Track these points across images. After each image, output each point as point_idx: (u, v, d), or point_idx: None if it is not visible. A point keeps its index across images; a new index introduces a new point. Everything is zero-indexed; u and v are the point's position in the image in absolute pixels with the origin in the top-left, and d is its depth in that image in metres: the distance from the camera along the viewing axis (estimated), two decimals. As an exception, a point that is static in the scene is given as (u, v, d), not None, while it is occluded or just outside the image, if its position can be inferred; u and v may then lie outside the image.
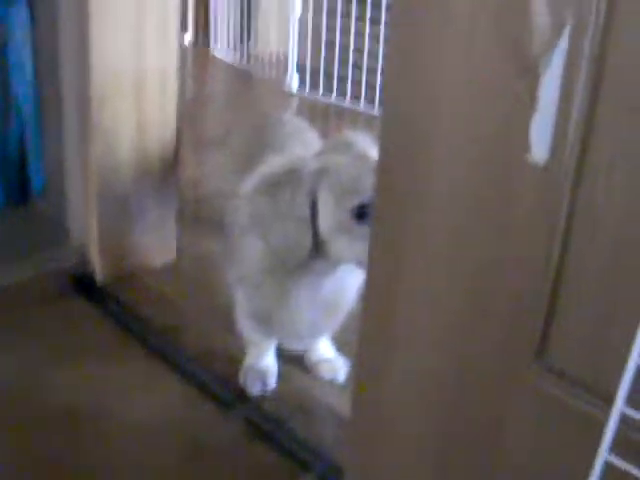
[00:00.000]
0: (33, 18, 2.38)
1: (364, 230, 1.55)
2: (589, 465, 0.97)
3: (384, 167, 1.27)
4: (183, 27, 4.37)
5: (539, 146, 1.06)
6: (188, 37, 4.40)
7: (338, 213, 1.58)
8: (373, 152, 1.64)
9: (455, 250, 1.20)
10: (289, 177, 1.61)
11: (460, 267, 1.20)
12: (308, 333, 1.82)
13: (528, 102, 1.05)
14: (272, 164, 1.68)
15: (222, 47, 4.21)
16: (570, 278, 1.09)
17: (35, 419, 1.78)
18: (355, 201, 1.56)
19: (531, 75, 1.04)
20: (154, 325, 2.10)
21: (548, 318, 1.13)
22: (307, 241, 1.60)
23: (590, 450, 1.01)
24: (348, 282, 1.74)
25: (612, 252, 1.04)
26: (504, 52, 1.07)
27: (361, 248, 1.56)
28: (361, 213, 1.56)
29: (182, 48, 4.29)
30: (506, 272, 1.14)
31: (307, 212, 1.58)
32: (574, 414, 1.12)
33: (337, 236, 1.59)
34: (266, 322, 1.79)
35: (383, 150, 1.26)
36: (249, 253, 1.72)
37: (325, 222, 1.59)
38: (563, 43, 1.01)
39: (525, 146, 1.06)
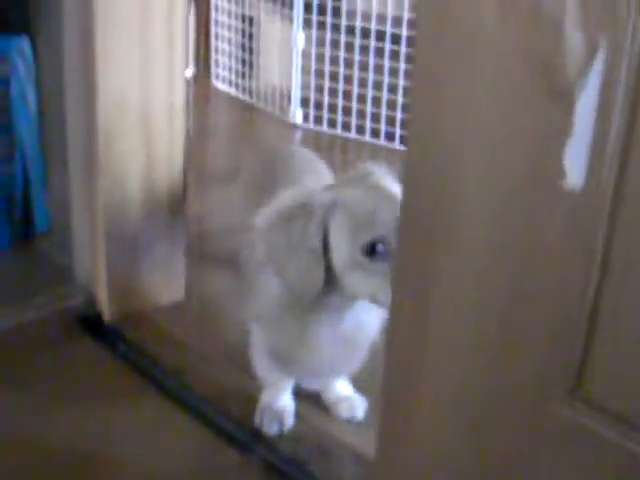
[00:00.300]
0: (36, 51, 2.35)
1: (377, 266, 1.51)
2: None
3: (408, 205, 1.23)
4: (185, 62, 4.34)
5: (575, 172, 1.01)
6: (189, 71, 4.37)
7: (350, 248, 1.53)
8: (390, 184, 1.60)
9: (486, 283, 1.15)
10: (301, 210, 1.56)
11: (492, 300, 1.15)
12: (328, 371, 1.77)
13: (562, 128, 1.01)
14: (285, 197, 1.63)
15: (224, 81, 4.18)
16: (608, 308, 1.05)
17: (38, 467, 1.72)
18: (367, 237, 1.52)
19: (565, 100, 1.00)
20: (164, 366, 2.04)
21: (585, 349, 1.08)
22: (319, 275, 1.55)
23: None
24: (367, 318, 1.68)
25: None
26: (535, 77, 1.02)
27: (375, 284, 1.52)
28: (373, 249, 1.51)
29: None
30: (541, 303, 1.09)
31: (318, 245, 1.54)
32: (613, 450, 1.08)
33: (350, 271, 1.55)
34: (284, 360, 1.73)
35: (407, 187, 1.22)
36: (266, 289, 1.67)
37: (338, 256, 1.54)
38: (598, 65, 0.97)
39: (560, 172, 1.02)
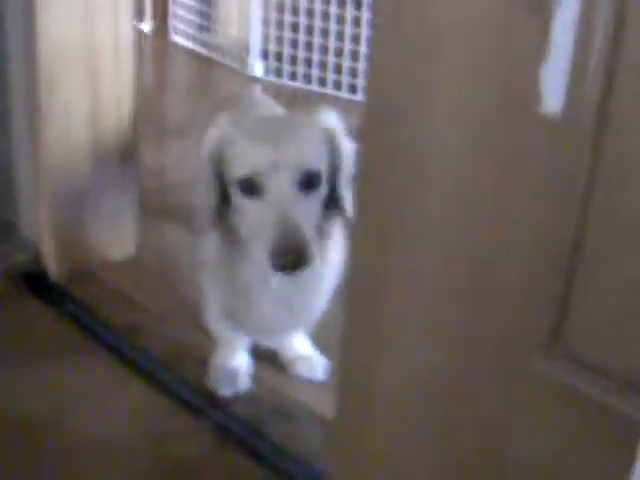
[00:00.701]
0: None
1: (253, 204, 1.43)
2: (621, 470, 0.84)
3: (370, 131, 1.12)
4: (142, 16, 4.21)
5: (552, 95, 0.91)
6: (147, 25, 4.23)
7: (231, 183, 1.46)
8: (310, 128, 1.50)
9: (457, 225, 1.05)
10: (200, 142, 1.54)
11: (463, 245, 1.05)
12: (273, 328, 1.67)
13: (538, 46, 0.90)
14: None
15: (183, 34, 4.05)
16: (589, 252, 0.95)
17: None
18: (238, 173, 1.44)
19: (541, 15, 0.89)
20: (115, 325, 1.94)
21: (565, 297, 0.99)
22: (210, 199, 1.49)
23: (625, 453, 0.87)
24: (313, 278, 1.56)
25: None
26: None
27: (251, 223, 1.44)
28: (245, 187, 1.43)
29: (142, 37, 4.14)
30: (517, 249, 1.00)
31: (207, 175, 1.49)
32: (592, 404, 0.99)
33: (235, 207, 1.47)
34: (230, 316, 1.64)
35: (370, 110, 1.11)
36: (206, 241, 1.60)
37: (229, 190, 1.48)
38: (578, -25, 0.87)
39: (536, 96, 0.91)
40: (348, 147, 1.50)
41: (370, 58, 1.10)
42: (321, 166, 1.45)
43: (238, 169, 1.43)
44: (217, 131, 1.49)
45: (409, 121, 1.05)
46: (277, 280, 1.52)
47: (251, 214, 1.43)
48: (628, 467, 0.84)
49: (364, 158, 1.14)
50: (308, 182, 1.42)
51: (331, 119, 1.51)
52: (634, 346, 0.94)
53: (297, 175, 1.40)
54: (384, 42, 1.06)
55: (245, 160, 1.42)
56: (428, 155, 1.05)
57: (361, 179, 1.16)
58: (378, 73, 1.09)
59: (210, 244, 1.58)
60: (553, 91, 0.91)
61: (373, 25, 1.10)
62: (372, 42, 1.09)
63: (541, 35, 0.89)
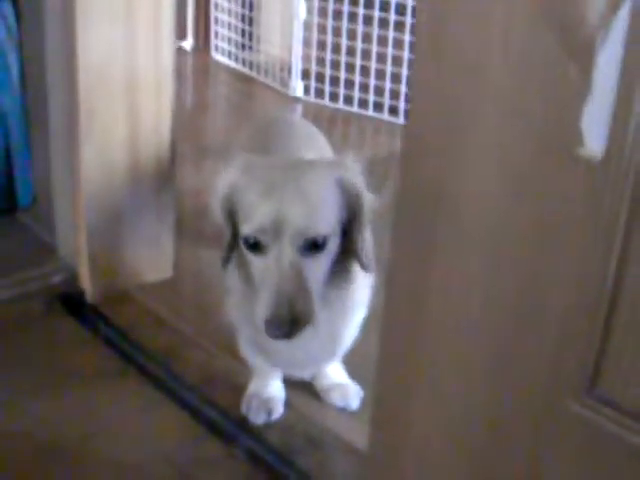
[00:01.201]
0: (18, 16, 2.22)
1: (258, 261, 1.40)
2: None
3: (410, 162, 1.11)
4: (183, 33, 4.23)
5: (593, 137, 0.89)
6: (188, 43, 4.25)
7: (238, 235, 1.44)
8: (320, 176, 1.44)
9: (494, 271, 1.03)
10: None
11: (500, 281, 1.03)
12: (304, 362, 1.64)
13: (581, 87, 0.88)
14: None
15: (224, 53, 4.06)
16: (629, 295, 0.93)
17: (14, 456, 1.62)
18: (245, 230, 1.40)
19: (584, 56, 0.88)
20: (148, 349, 1.94)
21: (602, 343, 0.97)
22: (226, 243, 1.49)
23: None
24: (344, 308, 1.55)
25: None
26: (551, 32, 0.90)
27: (257, 276, 1.41)
28: (250, 243, 1.40)
29: (182, 54, 4.15)
30: (555, 288, 0.98)
31: (222, 222, 1.47)
32: (629, 449, 0.97)
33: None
34: (259, 348, 1.62)
35: (410, 141, 1.10)
36: (229, 274, 1.58)
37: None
38: (622, 16, 0.85)
39: (577, 138, 0.89)
40: (366, 199, 1.43)
41: (411, 96, 1.09)
42: (330, 229, 1.39)
43: (243, 225, 1.40)
44: (228, 178, 1.45)
45: (447, 160, 1.04)
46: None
47: (256, 269, 1.41)
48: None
49: (403, 189, 1.13)
50: (314, 245, 1.37)
51: (351, 170, 1.44)
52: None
53: (301, 240, 1.36)
54: (424, 76, 1.05)
55: (250, 217, 1.38)
56: (468, 195, 1.03)
57: (398, 211, 1.15)
58: (418, 114, 1.08)
59: (233, 277, 1.56)
60: (595, 133, 0.89)
61: (412, 80, 1.09)
62: (414, 85, 1.08)
63: (583, 77, 0.88)
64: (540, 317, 1.00)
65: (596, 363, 0.98)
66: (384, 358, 1.25)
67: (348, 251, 1.45)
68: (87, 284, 2.08)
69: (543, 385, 1.03)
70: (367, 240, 1.45)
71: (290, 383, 1.78)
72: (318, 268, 1.40)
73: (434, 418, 1.20)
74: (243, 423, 1.70)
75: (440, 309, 1.11)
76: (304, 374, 1.74)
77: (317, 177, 1.42)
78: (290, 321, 1.33)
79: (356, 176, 1.44)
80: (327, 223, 1.39)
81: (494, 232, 1.01)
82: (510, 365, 1.06)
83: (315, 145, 1.86)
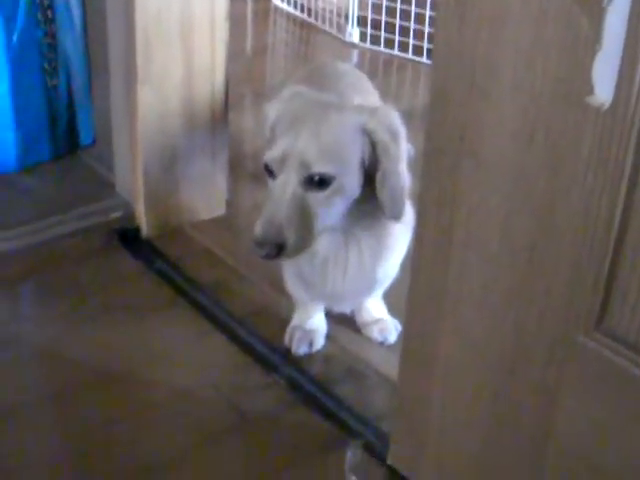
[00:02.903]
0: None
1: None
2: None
3: (435, 117, 1.17)
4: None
5: (603, 87, 0.95)
6: (249, -12, 4.30)
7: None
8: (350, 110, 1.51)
9: (511, 210, 1.10)
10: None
11: (515, 227, 1.10)
12: (340, 296, 1.72)
13: (591, 39, 0.94)
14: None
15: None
16: (635, 237, 1.00)
17: (72, 383, 1.72)
18: (265, 157, 1.49)
19: (596, 8, 0.93)
20: (201, 282, 2.03)
21: (609, 281, 1.04)
22: None
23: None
24: (376, 249, 1.62)
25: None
26: (565, -17, 0.96)
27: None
28: (267, 171, 1.49)
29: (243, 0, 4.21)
30: (566, 229, 1.05)
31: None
32: (634, 380, 1.04)
33: None
34: (304, 282, 1.70)
35: (436, 88, 1.16)
36: None
37: None
38: (631, -28, 0.90)
39: (588, 87, 0.96)
40: (392, 149, 1.47)
41: (435, 44, 1.15)
42: (338, 169, 1.44)
43: (265, 152, 1.48)
44: (274, 107, 1.54)
45: (470, 103, 1.11)
46: (345, 250, 1.59)
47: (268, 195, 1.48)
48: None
49: (429, 134, 1.20)
50: (320, 181, 1.43)
51: (383, 119, 1.48)
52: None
53: (305, 174, 1.43)
54: (448, 27, 1.11)
55: (271, 146, 1.47)
56: (487, 138, 1.10)
57: (425, 154, 1.22)
58: (441, 64, 1.14)
59: None
60: (604, 83, 0.95)
61: (435, 32, 1.15)
62: (436, 37, 1.14)
63: (593, 30, 0.94)
64: (553, 254, 1.07)
65: (604, 300, 1.05)
66: (413, 294, 1.33)
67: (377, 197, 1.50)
68: (143, 220, 2.17)
69: (556, 319, 1.10)
70: (396, 188, 1.48)
71: (332, 317, 1.86)
72: (327, 205, 1.46)
73: (457, 351, 1.28)
74: (286, 354, 1.79)
75: (463, 245, 1.18)
76: (343, 308, 1.83)
77: (340, 119, 1.47)
78: (276, 245, 1.42)
79: (386, 125, 1.47)
80: (336, 163, 1.44)
81: (511, 172, 1.08)
82: (526, 300, 1.13)
83: (362, 91, 1.92)
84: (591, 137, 0.98)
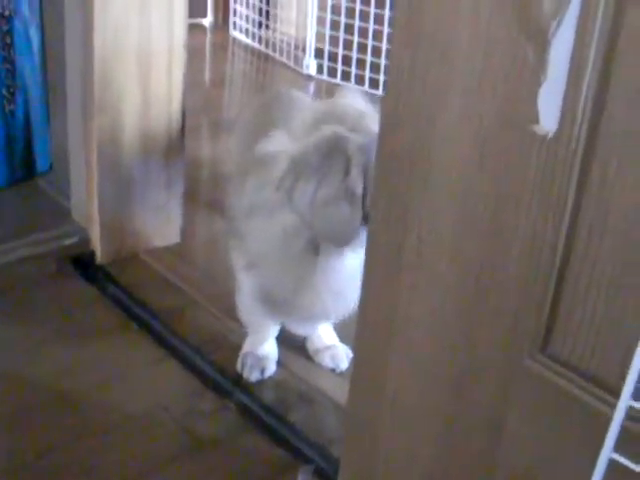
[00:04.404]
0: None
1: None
2: (593, 460, 0.91)
3: (385, 141, 1.20)
4: (203, 11, 4.32)
5: (548, 116, 0.98)
6: (207, 20, 4.33)
7: None
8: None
9: (459, 232, 1.12)
10: (337, 154, 1.51)
11: (464, 251, 1.13)
12: (320, 314, 1.74)
13: (536, 68, 0.97)
14: (293, 146, 1.58)
15: (242, 30, 4.15)
16: (577, 263, 1.02)
17: (25, 405, 1.72)
18: None
19: (540, 38, 0.96)
20: (154, 308, 2.04)
21: (554, 306, 1.06)
22: (359, 220, 1.51)
23: (594, 444, 0.94)
24: (356, 266, 1.65)
25: (624, 236, 0.97)
26: (512, 13, 0.99)
27: None
28: None
29: (202, 31, 4.24)
30: (511, 256, 1.07)
31: (361, 190, 1.50)
32: (578, 406, 1.06)
33: None
34: (277, 304, 1.71)
35: (387, 116, 1.19)
36: (260, 235, 1.64)
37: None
38: (575, 6, 0.93)
39: (532, 116, 0.99)
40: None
41: (389, 71, 1.18)
42: None
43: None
44: (357, 143, 1.56)
45: (420, 129, 1.13)
46: (342, 268, 1.61)
47: None
48: (596, 456, 0.90)
49: (380, 159, 1.22)
50: None
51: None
52: (607, 352, 1.01)
53: None
54: (401, 53, 1.14)
55: None
56: (436, 163, 1.13)
57: (376, 178, 1.24)
58: (395, 82, 1.17)
59: (262, 237, 1.65)
60: (549, 112, 0.98)
61: (389, 64, 1.17)
62: (390, 69, 1.17)
63: (539, 60, 0.97)
64: (500, 278, 1.09)
65: (548, 324, 1.07)
66: (363, 317, 1.34)
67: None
68: (97, 246, 2.18)
69: (503, 343, 1.12)
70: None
71: (283, 344, 1.88)
72: None
73: (407, 375, 1.29)
74: (238, 380, 1.80)
75: (413, 268, 1.20)
76: (306, 329, 1.84)
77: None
78: None
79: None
80: None
81: (459, 196, 1.10)
82: (474, 323, 1.15)
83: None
84: (536, 164, 1.00)
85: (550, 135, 0.98)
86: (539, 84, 0.97)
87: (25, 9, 2.31)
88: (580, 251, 1.01)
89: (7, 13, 2.29)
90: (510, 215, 1.05)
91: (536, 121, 0.99)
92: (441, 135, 1.11)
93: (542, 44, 0.96)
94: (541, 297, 1.05)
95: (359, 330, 1.35)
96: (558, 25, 0.95)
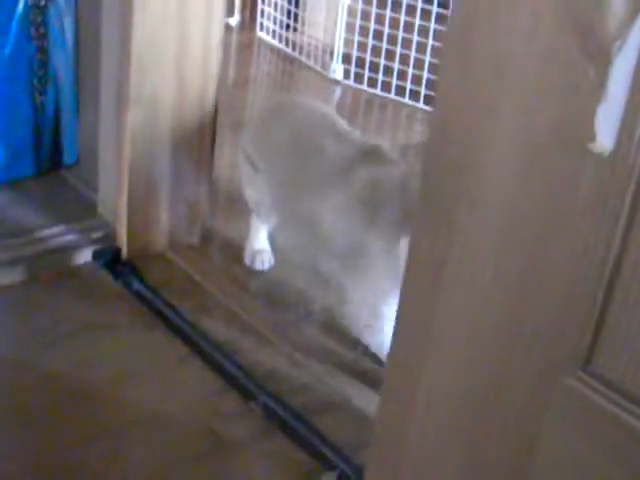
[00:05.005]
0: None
1: None
2: (626, 471, 0.91)
3: (433, 155, 1.20)
4: (230, 10, 4.31)
5: (605, 135, 0.97)
6: (235, 20, 4.33)
7: None
8: None
9: (504, 248, 1.12)
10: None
11: (508, 265, 1.12)
12: None
13: (597, 88, 0.97)
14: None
15: (269, 32, 4.14)
16: (626, 281, 1.02)
17: (46, 398, 1.73)
18: None
19: (602, 60, 0.96)
20: (179, 306, 2.03)
21: (599, 324, 1.05)
22: None
23: (636, 467, 0.94)
24: None
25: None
26: (574, 34, 0.99)
27: None
28: None
29: (228, 30, 4.23)
30: (558, 272, 1.07)
31: None
32: (619, 426, 1.06)
33: None
34: None
35: (435, 130, 1.19)
36: None
37: None
38: (639, 27, 0.93)
39: (590, 134, 0.98)
40: None
41: (438, 85, 1.18)
42: None
43: None
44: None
45: (470, 144, 1.13)
46: None
47: None
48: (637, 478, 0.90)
49: (425, 175, 1.22)
50: None
51: None
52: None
53: None
54: (452, 68, 1.14)
55: None
56: (485, 179, 1.12)
57: (422, 191, 1.24)
58: (444, 96, 1.17)
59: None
60: (606, 131, 0.98)
61: (442, 53, 1.17)
62: (440, 69, 1.17)
63: (599, 80, 0.96)
64: (543, 295, 1.09)
65: (592, 342, 1.06)
66: (400, 326, 1.34)
67: None
68: (124, 242, 2.18)
69: (543, 358, 1.12)
70: None
71: (312, 349, 1.90)
72: None
73: (440, 387, 1.29)
74: (263, 382, 1.80)
75: (454, 280, 1.20)
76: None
77: None
78: None
79: None
80: None
81: (506, 212, 1.10)
82: (514, 337, 1.15)
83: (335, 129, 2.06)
84: (589, 183, 1.00)
85: (606, 154, 0.98)
86: (598, 102, 0.97)
87: (60, 1, 2.31)
88: (629, 270, 1.00)
89: (42, 3, 2.29)
90: (557, 232, 1.05)
91: (593, 139, 0.98)
92: (490, 150, 1.11)
93: (604, 63, 0.96)
94: (586, 315, 1.05)
95: (395, 339, 1.35)
96: (622, 45, 0.94)
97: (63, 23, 2.34)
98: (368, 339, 1.88)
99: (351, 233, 1.83)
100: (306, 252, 2.05)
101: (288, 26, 4.06)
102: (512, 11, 1.03)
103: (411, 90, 3.58)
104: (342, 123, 2.09)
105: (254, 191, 2.16)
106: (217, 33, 2.11)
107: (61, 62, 2.38)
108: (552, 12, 0.99)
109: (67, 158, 2.48)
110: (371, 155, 1.88)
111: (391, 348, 1.37)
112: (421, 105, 3.55)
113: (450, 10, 1.14)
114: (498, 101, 1.08)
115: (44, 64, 2.35)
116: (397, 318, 1.34)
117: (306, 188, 1.95)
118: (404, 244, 1.55)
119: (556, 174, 1.04)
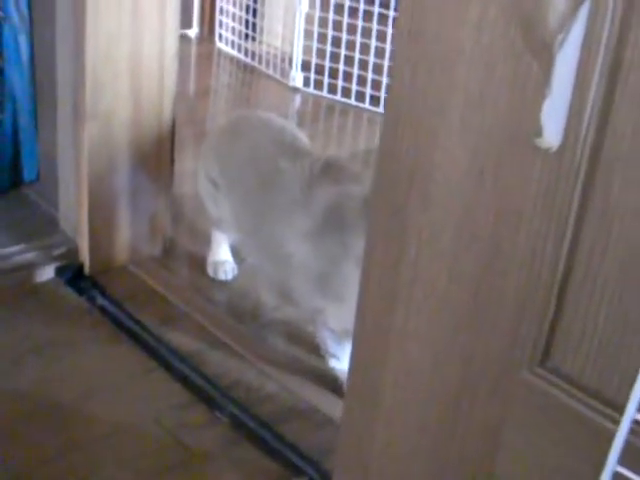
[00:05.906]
0: (30, 1, 2.31)
1: None
2: (594, 473, 0.91)
3: (384, 156, 1.20)
4: (188, 22, 4.31)
5: (551, 129, 0.98)
6: (193, 31, 4.33)
7: None
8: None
9: (460, 247, 1.12)
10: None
11: (463, 265, 1.12)
12: None
13: (541, 83, 0.97)
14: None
15: (227, 42, 4.15)
16: (579, 277, 1.02)
17: (11, 417, 1.71)
18: None
19: (545, 54, 0.97)
20: (143, 319, 2.03)
21: (555, 319, 1.06)
22: None
23: (596, 459, 0.94)
24: None
25: (626, 250, 0.97)
26: (516, 27, 0.99)
27: None
28: None
29: (187, 42, 4.23)
30: (513, 268, 1.07)
31: None
32: (578, 419, 1.06)
33: None
34: None
35: (386, 136, 1.19)
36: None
37: None
38: (580, 22, 0.94)
39: (536, 130, 0.99)
40: None
41: (390, 82, 1.18)
42: None
43: None
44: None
45: (421, 144, 1.13)
46: None
47: None
48: (598, 470, 0.90)
49: (378, 176, 1.22)
50: None
51: None
52: (608, 366, 1.01)
53: None
54: (402, 66, 1.14)
55: None
56: (438, 178, 1.13)
57: (375, 191, 1.24)
58: (396, 95, 1.17)
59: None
60: (552, 126, 0.98)
61: (394, 53, 1.18)
62: (392, 79, 1.17)
63: (543, 74, 0.97)
64: (499, 292, 1.09)
65: (548, 338, 1.07)
66: (359, 330, 1.34)
67: None
68: (86, 257, 2.17)
69: (501, 355, 1.12)
70: None
71: (272, 360, 1.89)
72: None
73: (402, 388, 1.29)
74: (229, 392, 1.80)
75: (411, 282, 1.20)
76: None
77: None
78: None
79: None
80: None
81: (459, 211, 1.10)
82: (471, 336, 1.15)
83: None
84: (538, 179, 1.01)
85: (553, 149, 0.98)
86: (543, 98, 0.98)
87: (15, 16, 2.30)
88: (582, 265, 1.01)
89: (-4, 20, 2.29)
90: (511, 230, 1.06)
91: (539, 135, 0.99)
92: (441, 149, 1.11)
93: (547, 58, 0.96)
94: (541, 311, 1.05)
95: (355, 343, 1.35)
96: (563, 40, 0.95)
97: (18, 40, 2.33)
98: (333, 364, 1.89)
99: (322, 257, 1.81)
100: (272, 274, 2.03)
101: (247, 36, 4.06)
102: (460, 9, 1.04)
103: (371, 95, 3.59)
104: (301, 136, 2.09)
105: (215, 207, 2.16)
106: (172, 46, 2.11)
107: (17, 79, 2.36)
108: (498, 2, 1.00)
109: (27, 175, 2.47)
110: (331, 172, 1.86)
111: (352, 351, 1.38)
112: (381, 110, 3.55)
113: (398, 14, 1.15)
114: (448, 97, 1.09)
115: (0, 82, 2.34)
116: (356, 321, 1.34)
117: (267, 209, 1.93)
118: None
119: (507, 172, 1.04)
